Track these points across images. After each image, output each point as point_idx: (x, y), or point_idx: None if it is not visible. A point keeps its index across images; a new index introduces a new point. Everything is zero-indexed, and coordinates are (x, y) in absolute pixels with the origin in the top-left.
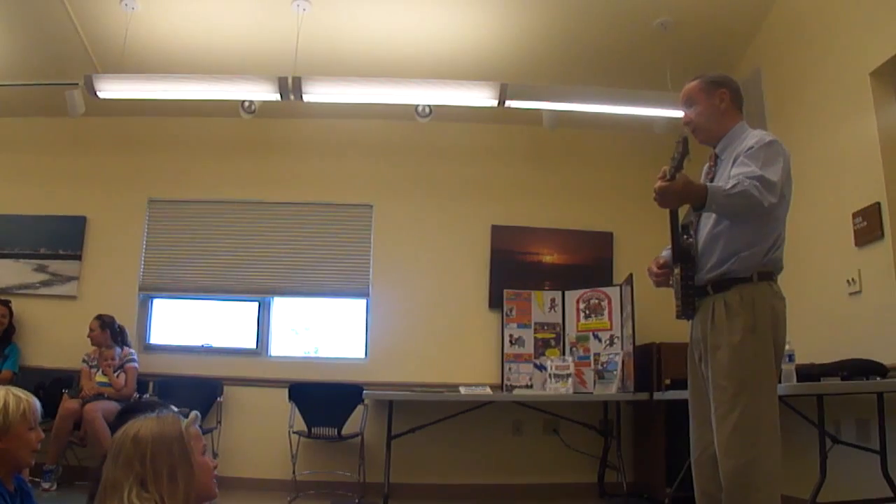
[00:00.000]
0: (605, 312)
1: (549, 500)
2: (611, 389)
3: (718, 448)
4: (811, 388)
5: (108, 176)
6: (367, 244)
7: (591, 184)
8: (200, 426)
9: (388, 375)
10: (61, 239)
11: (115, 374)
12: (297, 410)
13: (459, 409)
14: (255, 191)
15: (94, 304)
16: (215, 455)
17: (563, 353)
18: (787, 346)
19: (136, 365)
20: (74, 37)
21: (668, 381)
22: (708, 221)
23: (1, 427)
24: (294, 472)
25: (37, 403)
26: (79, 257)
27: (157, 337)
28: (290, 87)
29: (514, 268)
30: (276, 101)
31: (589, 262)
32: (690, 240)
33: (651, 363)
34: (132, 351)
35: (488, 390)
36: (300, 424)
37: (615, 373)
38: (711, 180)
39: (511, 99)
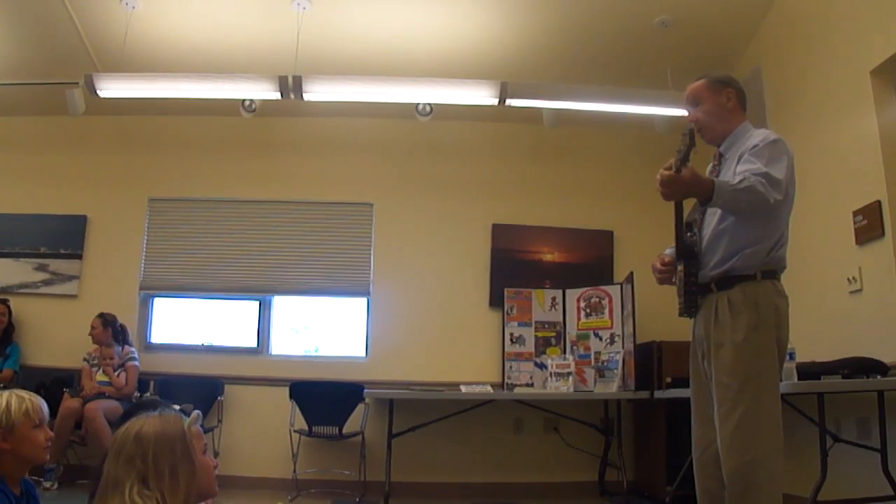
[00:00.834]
0: (606, 311)
1: (550, 499)
2: (611, 388)
3: (721, 445)
4: (812, 387)
5: (109, 175)
6: (368, 243)
7: (591, 182)
8: (202, 425)
9: (388, 374)
10: (62, 238)
11: (116, 373)
12: (297, 409)
13: (460, 408)
14: (255, 189)
15: (94, 303)
16: (216, 454)
17: (564, 352)
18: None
19: (136, 364)
20: (75, 36)
21: (668, 380)
22: (712, 219)
23: (4, 427)
24: (295, 471)
25: (42, 403)
26: (79, 256)
27: (157, 336)
28: (291, 85)
29: (514, 266)
30: (277, 100)
31: (589, 261)
32: (694, 237)
33: (652, 361)
34: (133, 350)
35: (489, 389)
36: (301, 423)
37: (616, 371)
38: None
39: (511, 97)
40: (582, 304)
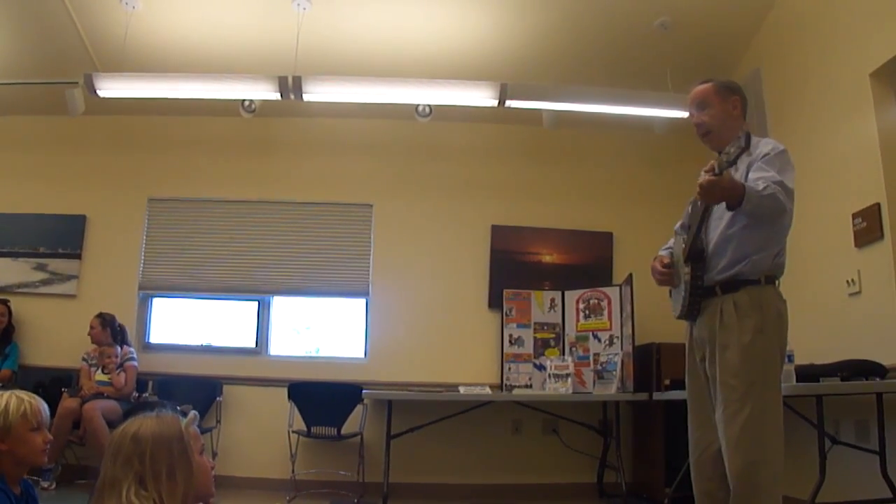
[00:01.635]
0: (605, 312)
1: (548, 500)
2: (610, 389)
3: (726, 446)
4: (811, 389)
5: (108, 175)
6: (367, 244)
7: (590, 184)
8: (199, 426)
9: (387, 375)
10: (61, 238)
11: (115, 373)
12: (296, 410)
13: (459, 409)
14: (255, 190)
15: (93, 303)
16: (215, 454)
17: (563, 353)
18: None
19: (135, 364)
20: (74, 35)
21: (667, 382)
22: (719, 223)
23: (1, 428)
24: (293, 472)
25: (42, 405)
26: (78, 256)
27: (156, 336)
28: (291, 86)
29: (513, 267)
30: (277, 101)
31: (589, 262)
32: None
33: (651, 363)
34: (132, 350)
35: (488, 390)
36: (299, 424)
37: (615, 373)
38: None
39: (511, 99)
40: (581, 306)
